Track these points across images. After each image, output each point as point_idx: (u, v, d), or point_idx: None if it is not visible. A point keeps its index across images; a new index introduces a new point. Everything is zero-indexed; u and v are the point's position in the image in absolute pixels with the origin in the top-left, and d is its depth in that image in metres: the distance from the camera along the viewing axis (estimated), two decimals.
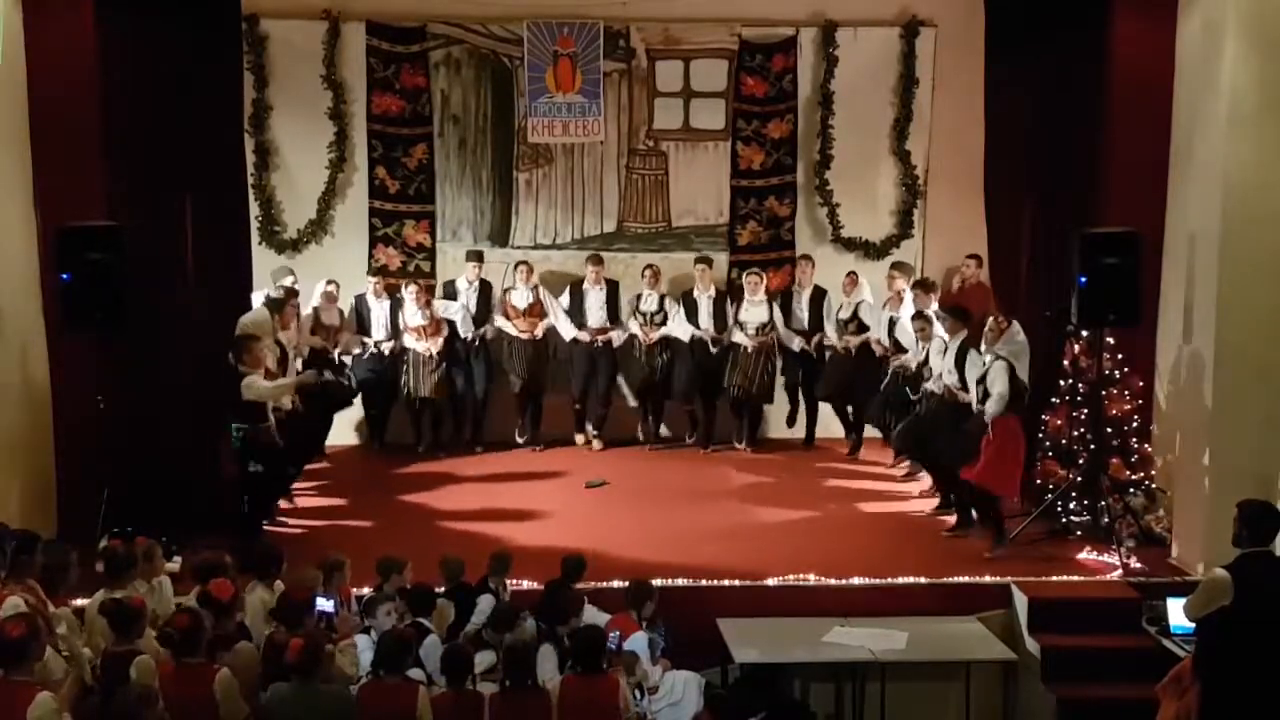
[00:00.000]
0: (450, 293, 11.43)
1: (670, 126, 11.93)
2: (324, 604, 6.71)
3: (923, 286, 10.57)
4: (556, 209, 11.93)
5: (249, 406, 8.62)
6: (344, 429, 11.50)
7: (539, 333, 11.39)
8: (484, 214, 11.91)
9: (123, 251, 8.34)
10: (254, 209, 11.00)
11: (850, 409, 11.46)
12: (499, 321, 11.40)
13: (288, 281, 10.78)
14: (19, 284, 8.62)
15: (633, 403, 11.89)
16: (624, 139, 11.89)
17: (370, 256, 11.72)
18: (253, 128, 11.08)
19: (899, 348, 10.54)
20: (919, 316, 10.05)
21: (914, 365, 10.03)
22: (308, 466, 10.15)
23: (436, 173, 11.79)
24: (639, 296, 11.51)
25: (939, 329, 9.66)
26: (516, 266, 11.48)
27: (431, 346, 11.13)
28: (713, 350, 11.30)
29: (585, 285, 11.52)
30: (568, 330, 11.45)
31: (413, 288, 11.24)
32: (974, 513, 9.11)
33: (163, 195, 9.07)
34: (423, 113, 11.71)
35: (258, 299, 10.06)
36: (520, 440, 11.60)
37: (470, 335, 11.26)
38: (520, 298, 11.41)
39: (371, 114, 11.64)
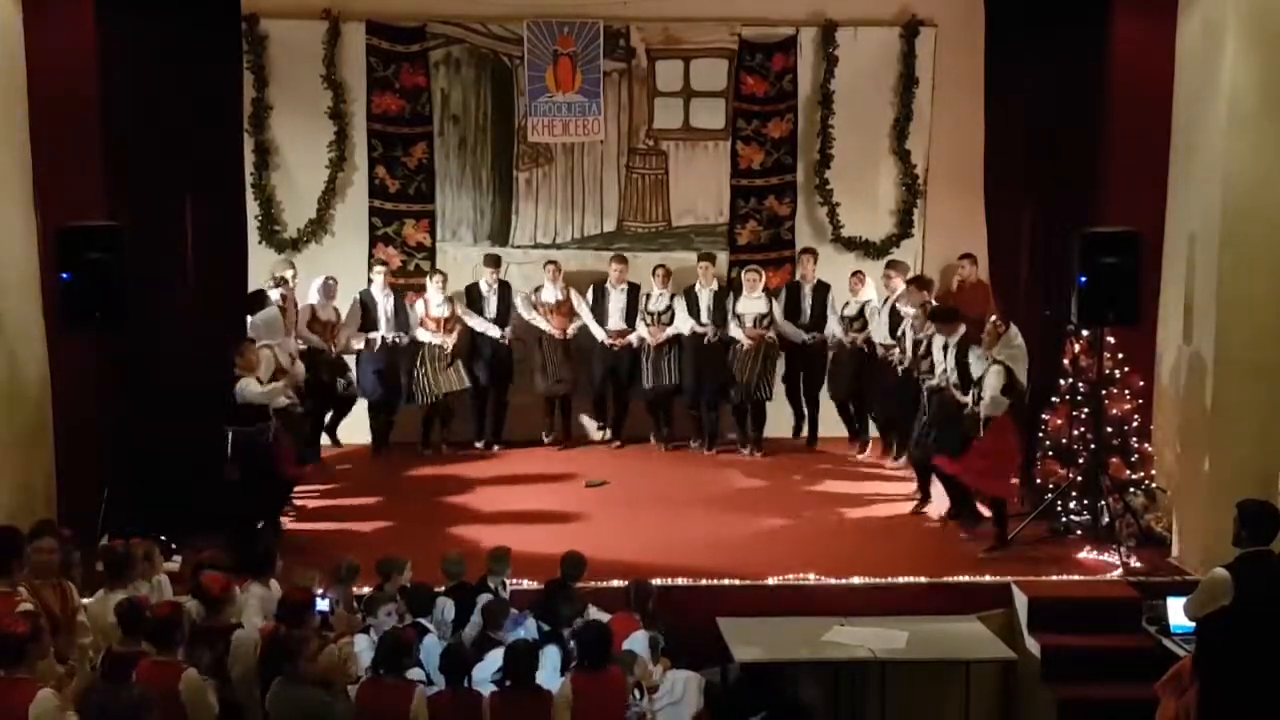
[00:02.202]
0: (474, 298, 11.39)
1: (670, 126, 11.92)
2: (319, 604, 6.72)
3: (916, 283, 10.57)
4: (556, 208, 11.93)
5: (247, 409, 8.62)
6: (347, 429, 11.48)
7: (570, 332, 11.41)
8: (484, 213, 11.90)
9: (123, 251, 8.33)
10: (254, 209, 11.00)
11: (855, 408, 11.46)
12: (529, 316, 11.40)
13: (287, 274, 10.76)
14: (19, 284, 8.61)
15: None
16: (624, 138, 11.89)
17: (370, 256, 11.71)
18: (253, 128, 11.08)
19: (905, 350, 10.48)
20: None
21: (908, 360, 10.06)
22: (308, 467, 10.15)
23: (436, 172, 11.79)
24: (648, 297, 11.49)
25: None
26: (545, 265, 11.48)
27: (447, 341, 11.14)
28: (709, 340, 11.24)
29: (607, 286, 11.53)
30: (598, 333, 11.46)
31: (438, 276, 11.26)
32: (975, 506, 9.12)
33: (163, 195, 9.06)
34: (423, 112, 11.70)
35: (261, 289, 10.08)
36: (546, 440, 11.64)
37: (499, 335, 11.27)
38: (550, 295, 11.42)
39: (371, 114, 11.63)
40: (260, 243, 11.29)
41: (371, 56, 11.57)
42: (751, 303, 11.30)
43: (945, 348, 9.30)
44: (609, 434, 11.81)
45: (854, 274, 11.41)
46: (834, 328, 11.31)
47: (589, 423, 11.91)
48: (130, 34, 8.86)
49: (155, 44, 8.96)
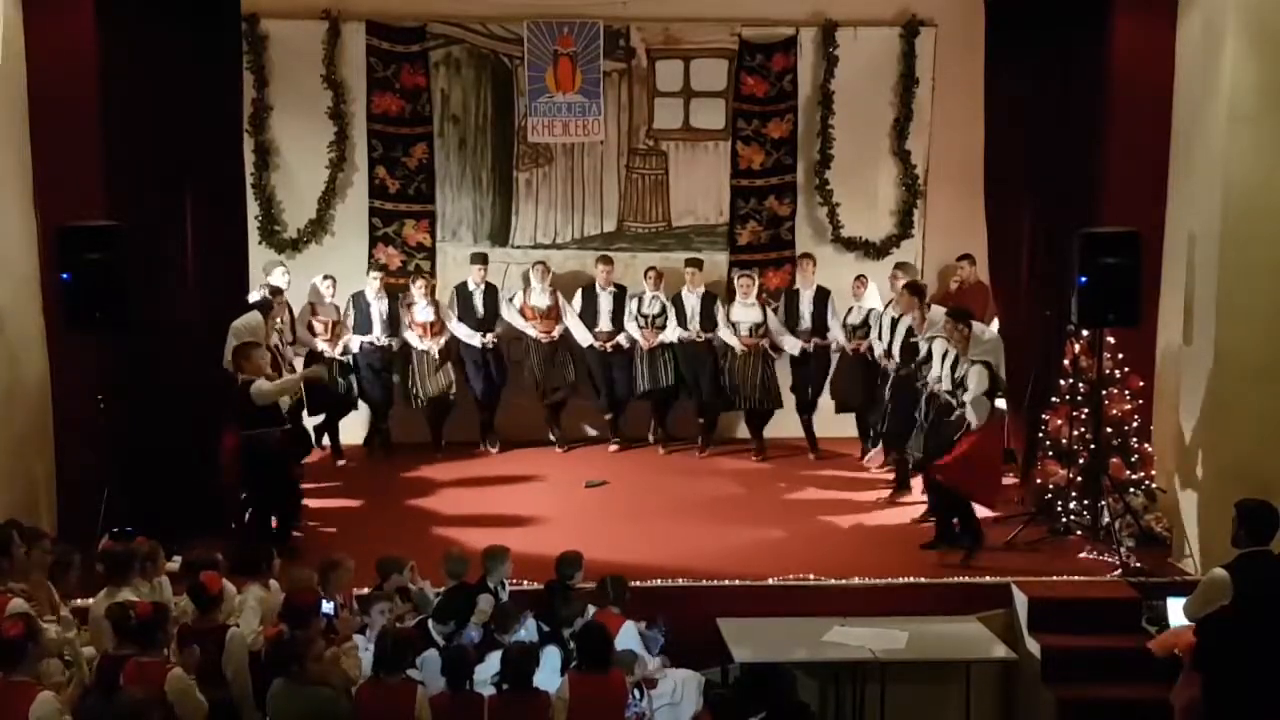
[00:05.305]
0: (464, 297, 11.38)
1: (670, 126, 11.92)
2: (324, 606, 6.71)
3: (909, 289, 10.49)
4: (556, 209, 11.93)
5: (261, 413, 8.58)
6: (348, 428, 11.48)
7: (555, 334, 11.41)
8: (484, 214, 11.91)
9: (123, 251, 8.32)
10: (254, 209, 11.00)
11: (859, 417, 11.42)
12: (516, 321, 11.40)
13: (277, 273, 10.69)
14: (19, 284, 8.61)
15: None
16: (624, 139, 11.89)
17: (370, 256, 11.72)
18: (253, 128, 11.08)
19: (905, 353, 10.43)
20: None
21: (892, 360, 10.07)
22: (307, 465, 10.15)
23: (436, 172, 11.79)
24: (639, 299, 11.48)
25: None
26: (534, 266, 11.46)
27: (434, 345, 11.15)
28: (697, 340, 11.28)
29: (596, 288, 11.51)
30: (584, 337, 11.45)
31: (420, 282, 11.27)
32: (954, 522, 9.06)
33: (163, 195, 9.06)
34: (423, 112, 11.70)
35: (252, 298, 10.04)
36: (554, 437, 11.62)
37: (481, 343, 11.27)
38: (539, 298, 11.40)
39: (371, 114, 11.64)
40: (260, 243, 11.30)
41: (371, 57, 11.57)
42: (746, 311, 11.22)
43: (944, 355, 9.27)
44: (610, 434, 11.78)
45: (856, 278, 11.34)
46: (836, 334, 11.22)
47: (588, 427, 11.87)
48: (130, 34, 8.86)
49: (155, 44, 8.96)
